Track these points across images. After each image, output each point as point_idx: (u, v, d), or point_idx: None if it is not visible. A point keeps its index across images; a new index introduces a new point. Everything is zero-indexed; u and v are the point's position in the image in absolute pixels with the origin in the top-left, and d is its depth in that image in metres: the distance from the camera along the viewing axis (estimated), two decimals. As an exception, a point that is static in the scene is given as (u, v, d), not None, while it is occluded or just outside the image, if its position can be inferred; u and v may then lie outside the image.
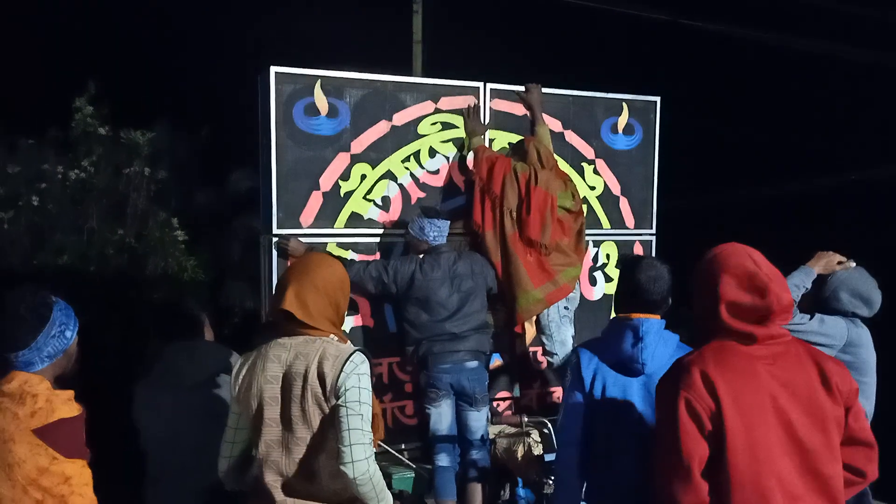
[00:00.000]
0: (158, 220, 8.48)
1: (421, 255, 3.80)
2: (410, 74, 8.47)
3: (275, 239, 3.77)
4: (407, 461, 3.77)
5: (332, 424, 2.11)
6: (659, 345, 2.35)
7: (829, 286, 3.21)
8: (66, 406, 2.04)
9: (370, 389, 2.16)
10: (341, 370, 2.11)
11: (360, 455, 2.08)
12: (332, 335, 2.22)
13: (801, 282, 3.18)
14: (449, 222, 3.86)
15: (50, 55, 9.00)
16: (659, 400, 1.97)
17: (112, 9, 9.00)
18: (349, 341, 2.29)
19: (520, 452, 3.77)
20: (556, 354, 3.91)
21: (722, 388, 1.84)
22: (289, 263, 3.81)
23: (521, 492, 4.02)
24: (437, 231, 3.78)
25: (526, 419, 3.94)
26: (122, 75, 8.56)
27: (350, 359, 2.13)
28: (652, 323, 2.37)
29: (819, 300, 3.22)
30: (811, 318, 3.12)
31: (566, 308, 3.97)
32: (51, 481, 1.99)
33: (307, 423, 2.11)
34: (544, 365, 4.19)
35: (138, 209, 8.47)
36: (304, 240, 3.78)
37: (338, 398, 2.10)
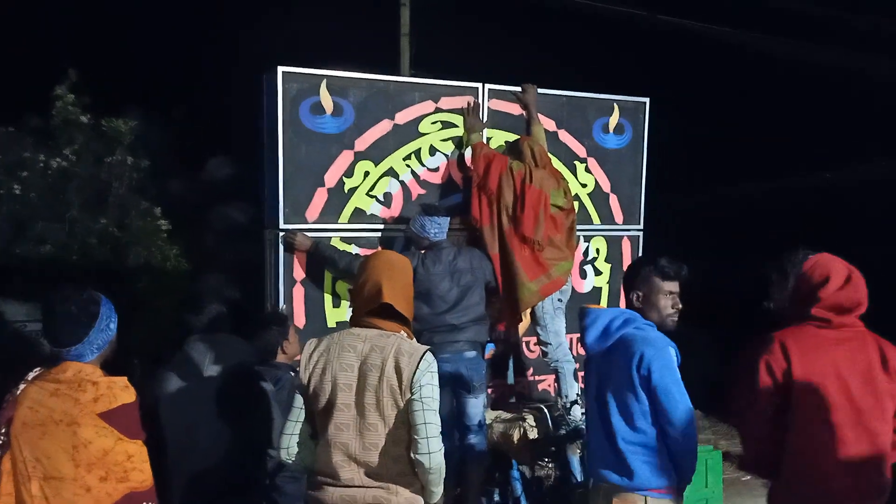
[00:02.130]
0: (141, 209, 8.47)
1: (422, 251, 3.95)
2: (398, 68, 8.58)
3: (281, 234, 3.89)
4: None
5: (404, 416, 2.30)
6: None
7: None
8: (125, 392, 2.25)
9: (439, 386, 2.36)
10: (417, 367, 2.28)
11: (436, 447, 2.29)
12: (402, 331, 2.40)
13: None
14: (448, 219, 4.02)
15: (29, 42, 8.89)
16: (744, 362, 2.42)
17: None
18: (415, 338, 2.48)
19: (515, 437, 3.96)
20: (550, 344, 4.12)
21: (794, 355, 2.34)
22: (295, 257, 3.93)
23: (514, 473, 4.21)
24: (438, 228, 3.93)
25: (517, 403, 4.11)
26: (102, 63, 8.50)
27: (424, 357, 2.31)
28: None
29: None
30: None
31: (560, 300, 4.18)
32: (115, 459, 2.19)
33: (379, 411, 2.29)
34: (537, 354, 4.38)
35: (120, 198, 8.45)
36: (308, 234, 3.91)
37: (412, 393, 2.28)
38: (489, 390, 4.35)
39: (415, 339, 2.47)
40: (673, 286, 2.67)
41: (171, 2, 9.28)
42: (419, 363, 2.30)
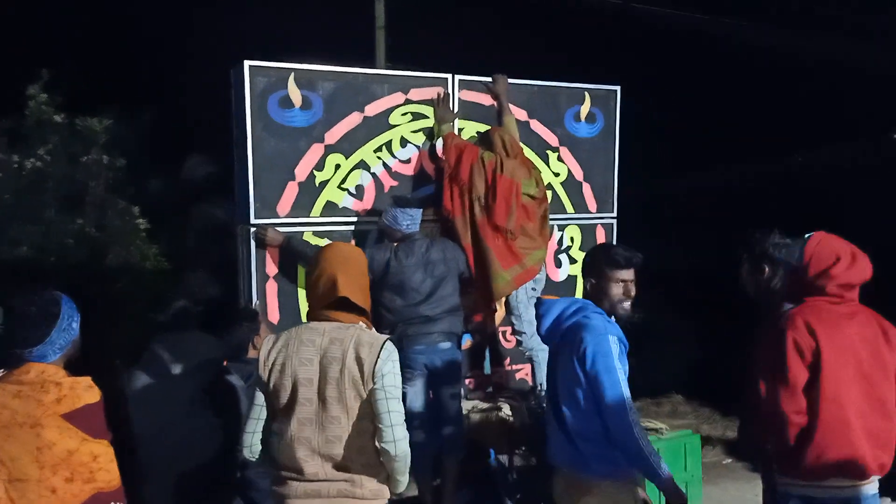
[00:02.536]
0: (118, 209, 8.41)
1: (395, 243, 3.94)
2: (374, 61, 8.54)
3: (252, 229, 3.87)
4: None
5: (367, 406, 2.31)
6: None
7: None
8: (88, 392, 2.24)
9: (401, 374, 2.39)
10: (378, 357, 2.30)
11: (401, 434, 2.31)
12: (361, 322, 2.40)
13: None
14: (421, 210, 4.01)
15: (1, 41, 8.77)
16: (770, 340, 2.51)
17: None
18: (374, 328, 2.48)
19: (492, 426, 3.98)
20: (525, 333, 4.13)
21: (819, 332, 2.46)
22: (267, 254, 3.91)
23: (492, 462, 4.24)
24: (410, 219, 3.93)
25: (493, 393, 4.13)
26: (74, 62, 8.40)
27: (384, 346, 2.33)
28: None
29: None
30: None
31: (534, 289, 4.19)
32: (80, 460, 2.18)
33: (342, 404, 2.30)
34: (513, 344, 4.40)
35: (97, 198, 8.38)
36: (280, 229, 3.89)
37: (374, 382, 2.29)
38: (466, 381, 4.36)
39: (374, 329, 2.47)
40: (625, 274, 2.72)
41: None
42: (380, 352, 2.31)
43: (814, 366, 2.45)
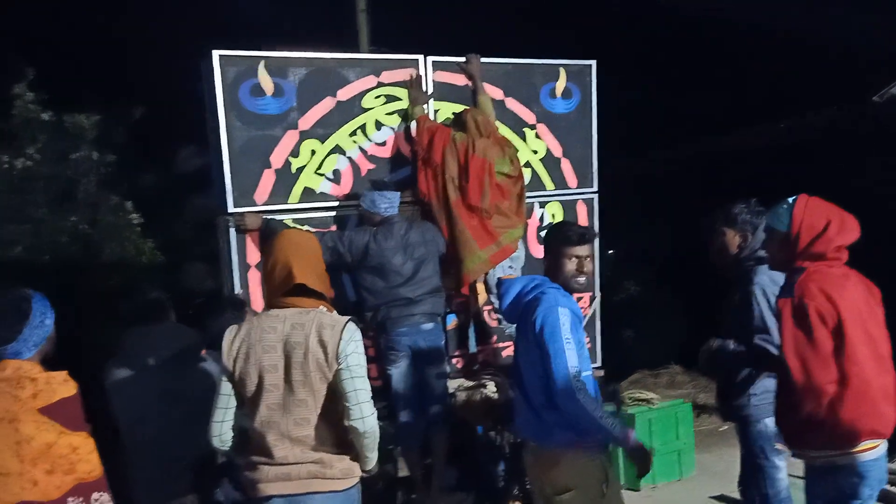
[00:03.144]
0: (111, 205, 8.42)
1: (374, 227, 3.97)
2: (356, 45, 8.51)
3: (232, 219, 3.89)
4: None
5: (333, 387, 2.36)
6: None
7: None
8: (64, 386, 2.29)
9: (364, 353, 2.43)
10: (340, 338, 2.34)
11: (369, 411, 2.37)
12: (321, 306, 2.44)
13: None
14: (399, 193, 4.03)
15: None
16: (793, 313, 2.50)
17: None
18: (335, 311, 2.51)
19: (477, 403, 4.02)
20: (504, 311, 4.15)
21: (836, 297, 2.47)
22: (248, 241, 3.94)
23: (480, 439, 4.29)
24: (388, 202, 3.95)
25: (478, 371, 4.18)
26: (59, 60, 8.39)
27: (346, 327, 2.38)
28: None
29: None
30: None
31: (511, 267, 4.22)
32: (59, 452, 2.23)
33: (308, 387, 2.35)
34: (497, 323, 4.43)
35: (89, 195, 8.39)
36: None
37: (339, 363, 2.34)
38: (453, 360, 4.40)
39: (335, 311, 2.50)
40: (578, 250, 2.78)
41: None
42: (342, 333, 2.35)
43: (836, 332, 2.45)
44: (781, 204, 2.68)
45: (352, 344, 2.36)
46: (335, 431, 2.38)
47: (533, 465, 2.80)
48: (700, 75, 8.60)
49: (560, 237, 2.80)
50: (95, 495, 2.29)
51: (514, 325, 3.85)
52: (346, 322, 2.40)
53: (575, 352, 2.60)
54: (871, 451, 2.51)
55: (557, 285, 2.76)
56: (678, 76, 8.51)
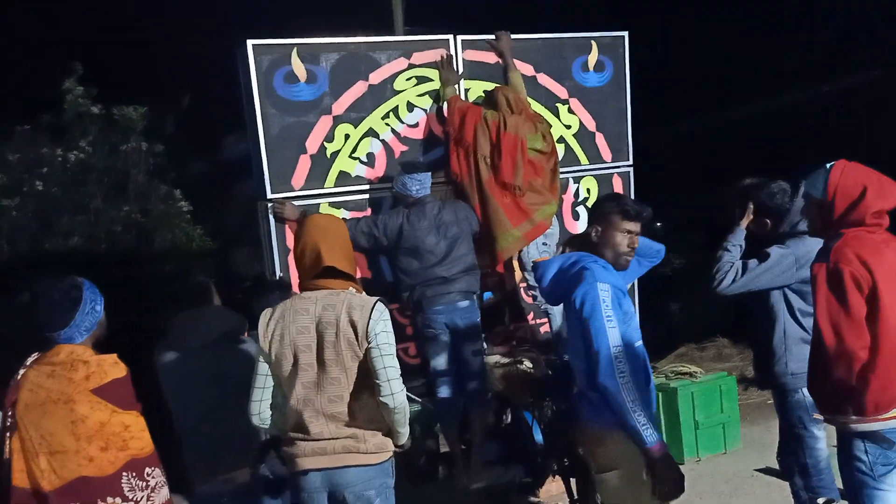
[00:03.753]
0: (160, 194, 8.68)
1: (407, 208, 4.03)
2: (391, 25, 8.53)
3: (269, 205, 4.00)
4: (411, 396, 4.09)
5: (364, 365, 2.45)
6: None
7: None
8: (114, 368, 2.42)
9: (393, 332, 2.51)
10: (370, 318, 2.43)
11: (398, 388, 2.46)
12: (351, 287, 2.53)
13: (734, 241, 3.39)
14: (430, 174, 4.07)
15: (32, 40, 9.07)
16: (828, 278, 2.49)
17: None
18: (364, 291, 2.60)
19: (513, 379, 4.07)
20: (538, 287, 4.17)
21: (871, 263, 2.45)
22: (287, 227, 4.05)
23: (526, 415, 4.32)
24: (419, 184, 4.00)
25: (514, 348, 4.23)
26: (104, 53, 8.62)
27: (375, 307, 2.47)
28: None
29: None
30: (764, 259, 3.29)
31: (545, 244, 4.24)
32: (112, 430, 2.37)
33: (341, 365, 2.45)
34: (532, 300, 4.46)
35: (140, 185, 8.66)
36: (297, 202, 4.01)
37: (369, 342, 2.43)
38: (490, 337, 4.46)
39: (364, 292, 2.58)
40: (632, 226, 2.68)
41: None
42: (371, 313, 2.44)
43: (871, 298, 2.44)
44: (818, 170, 2.65)
45: (381, 323, 2.44)
46: (368, 408, 2.47)
47: (583, 444, 2.80)
48: (730, 39, 8.35)
49: (616, 209, 2.69)
50: (148, 470, 2.42)
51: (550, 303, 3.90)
52: (375, 302, 2.48)
53: (618, 330, 2.53)
54: None
55: (597, 258, 2.68)
56: (709, 39, 8.28)
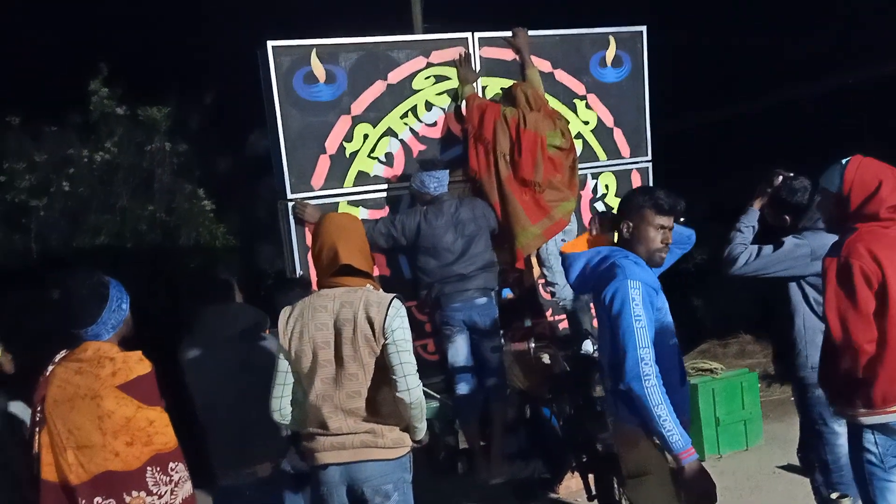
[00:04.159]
0: (185, 192, 8.81)
1: (425, 207, 4.06)
2: (410, 23, 8.56)
3: (290, 204, 4.06)
4: (431, 392, 4.13)
5: (381, 361, 2.50)
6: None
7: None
8: (139, 364, 2.47)
9: (409, 328, 2.54)
10: (386, 314, 2.47)
11: (414, 383, 2.49)
12: (368, 284, 2.58)
13: (747, 222, 3.37)
14: (447, 171, 4.10)
15: (59, 42, 9.23)
16: (838, 271, 2.48)
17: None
18: (381, 288, 2.64)
19: (532, 375, 4.10)
20: (557, 284, 4.22)
21: (882, 258, 2.45)
22: (306, 229, 4.09)
23: (545, 411, 4.34)
24: (437, 182, 4.03)
25: (534, 345, 4.25)
26: (128, 54, 8.76)
27: (391, 304, 2.50)
28: None
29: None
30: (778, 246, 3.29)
31: (563, 241, 4.23)
32: (137, 426, 2.43)
33: (358, 361, 2.49)
34: (550, 296, 4.47)
35: (164, 184, 8.80)
36: (316, 202, 4.06)
37: (386, 338, 2.47)
38: (509, 333, 4.48)
39: (381, 289, 2.61)
40: (666, 220, 2.58)
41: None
42: (388, 310, 2.47)
43: (880, 293, 2.44)
44: (834, 164, 2.65)
45: (397, 320, 2.48)
46: (385, 403, 2.51)
47: (616, 443, 2.75)
48: (746, 30, 8.25)
49: (650, 203, 2.58)
50: (172, 465, 2.47)
51: (571, 298, 3.90)
52: (392, 299, 2.51)
53: (646, 330, 2.43)
54: None
55: (628, 253, 2.59)
56: (728, 28, 8.18)
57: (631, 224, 2.61)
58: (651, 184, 4.82)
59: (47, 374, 2.52)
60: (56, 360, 2.54)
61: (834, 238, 2.80)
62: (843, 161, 2.62)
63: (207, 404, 3.14)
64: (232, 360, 3.07)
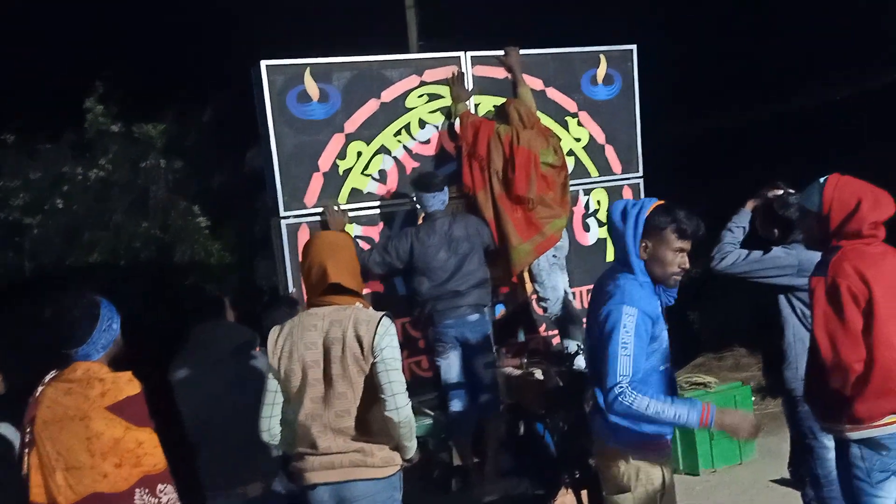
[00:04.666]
0: (180, 209, 8.81)
1: (416, 226, 4.08)
2: (405, 42, 8.63)
3: (283, 222, 4.07)
4: (424, 409, 4.13)
5: (370, 379, 2.49)
6: None
7: None
8: (129, 385, 2.46)
9: (399, 347, 2.54)
10: (375, 333, 2.47)
11: (403, 402, 2.48)
12: (357, 303, 2.57)
13: (738, 222, 3.43)
14: (446, 189, 4.10)
15: (55, 60, 9.26)
16: (826, 291, 2.52)
17: (107, 9, 9.21)
18: (371, 306, 2.64)
19: (524, 391, 4.10)
20: (548, 299, 4.24)
21: (869, 277, 2.47)
22: (300, 239, 4.09)
23: (538, 426, 4.35)
24: (433, 199, 4.04)
25: (526, 360, 4.26)
26: (124, 72, 8.79)
27: (381, 322, 2.50)
28: None
29: None
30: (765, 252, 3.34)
31: (555, 256, 4.27)
32: (126, 447, 2.41)
33: (347, 380, 2.49)
34: (543, 311, 4.49)
35: (159, 200, 8.80)
36: (308, 219, 4.07)
37: (375, 357, 2.47)
38: (503, 349, 4.48)
39: (371, 307, 2.62)
40: (685, 244, 2.49)
41: (180, 6, 9.45)
42: (377, 328, 2.48)
43: (867, 311, 2.46)
44: (813, 184, 2.68)
45: (386, 338, 2.48)
46: (375, 422, 2.51)
47: (599, 462, 2.73)
48: (749, 40, 8.32)
49: (671, 225, 2.46)
50: (160, 487, 2.46)
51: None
52: (381, 317, 2.52)
53: (631, 359, 2.37)
54: None
55: (637, 275, 2.49)
56: (727, 40, 8.26)
57: (649, 244, 2.49)
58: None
59: (37, 394, 2.51)
60: (46, 381, 2.53)
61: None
62: (822, 180, 2.66)
63: (197, 424, 3.15)
64: (220, 380, 3.07)
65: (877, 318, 2.45)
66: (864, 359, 2.45)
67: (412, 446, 2.59)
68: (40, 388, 2.52)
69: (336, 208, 4.02)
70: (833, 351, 2.48)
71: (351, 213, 4.22)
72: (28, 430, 2.47)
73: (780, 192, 3.44)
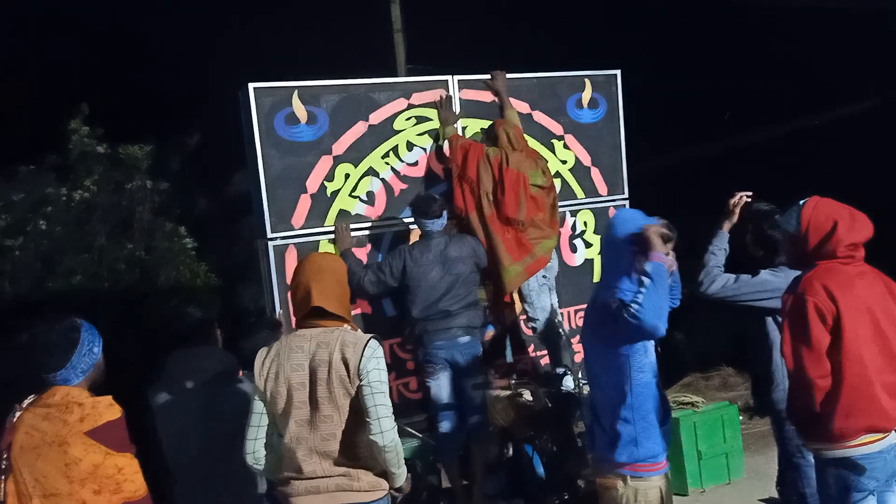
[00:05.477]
0: (165, 231, 8.73)
1: (411, 244, 4.09)
2: (394, 65, 8.67)
3: (271, 243, 4.05)
4: (412, 431, 4.10)
5: (356, 402, 2.45)
6: None
7: None
8: (109, 410, 2.39)
9: (386, 370, 2.51)
10: (362, 355, 2.44)
11: (388, 426, 2.44)
12: (345, 325, 2.55)
13: (719, 244, 3.45)
14: (446, 211, 4.11)
15: (39, 80, 9.23)
16: (792, 306, 2.59)
17: (93, 32, 9.21)
18: (359, 329, 2.62)
19: (513, 413, 4.09)
20: (538, 320, 4.25)
21: (838, 295, 2.52)
22: (286, 265, 4.08)
23: (527, 448, 4.32)
24: (431, 223, 4.06)
25: (514, 381, 4.26)
26: (110, 94, 8.77)
27: (368, 345, 2.47)
28: None
29: None
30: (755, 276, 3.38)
31: (545, 277, 4.29)
32: (105, 473, 2.34)
33: (333, 403, 2.45)
34: (532, 332, 4.49)
35: (144, 222, 8.72)
36: (296, 241, 4.06)
37: (361, 379, 2.43)
38: (491, 371, 4.47)
39: (359, 329, 2.60)
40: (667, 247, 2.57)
41: (171, 21, 9.47)
42: (363, 351, 2.45)
43: (835, 329, 2.50)
44: (793, 206, 2.74)
45: (373, 361, 2.45)
46: (361, 446, 2.47)
47: (595, 478, 2.76)
48: (720, 69, 8.48)
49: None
50: None
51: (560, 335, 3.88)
52: (368, 340, 2.49)
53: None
54: (873, 444, 2.53)
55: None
56: (706, 70, 8.41)
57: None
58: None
59: (14, 419, 2.43)
60: (24, 406, 2.46)
61: None
62: (801, 202, 2.72)
63: (178, 450, 3.09)
64: (202, 405, 3.02)
65: (844, 335, 2.50)
66: (828, 375, 2.49)
67: (401, 473, 2.54)
68: (17, 413, 2.45)
69: (344, 227, 4.05)
70: (797, 366, 2.53)
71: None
72: (5, 456, 2.39)
73: (749, 200, 3.47)
